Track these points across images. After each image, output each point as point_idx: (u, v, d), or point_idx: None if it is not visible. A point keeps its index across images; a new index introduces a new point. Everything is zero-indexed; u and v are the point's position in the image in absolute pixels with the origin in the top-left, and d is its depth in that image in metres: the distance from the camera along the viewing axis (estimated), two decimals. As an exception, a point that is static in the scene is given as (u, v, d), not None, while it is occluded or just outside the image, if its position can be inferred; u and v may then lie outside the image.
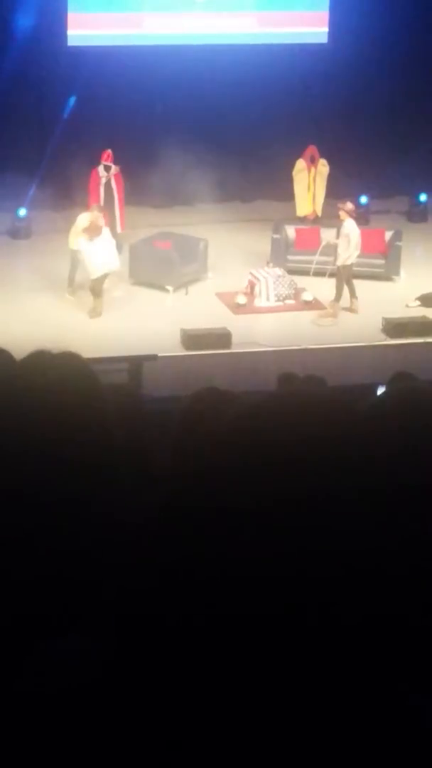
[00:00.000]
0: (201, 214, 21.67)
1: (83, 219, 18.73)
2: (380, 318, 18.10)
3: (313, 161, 21.72)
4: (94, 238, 18.26)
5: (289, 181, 21.75)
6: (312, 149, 21.65)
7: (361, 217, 20.54)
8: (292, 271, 19.60)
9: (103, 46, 21.33)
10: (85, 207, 19.31)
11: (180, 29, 21.63)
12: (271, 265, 19.64)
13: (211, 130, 21.40)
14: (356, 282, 18.87)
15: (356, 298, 18.81)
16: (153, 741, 1.76)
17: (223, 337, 17.31)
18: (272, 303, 19.01)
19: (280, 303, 19.04)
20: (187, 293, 19.23)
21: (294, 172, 21.72)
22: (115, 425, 2.29)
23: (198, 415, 3.62)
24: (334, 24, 22.04)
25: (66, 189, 20.89)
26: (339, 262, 18.76)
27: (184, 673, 1.76)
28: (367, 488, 1.78)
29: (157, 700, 1.77)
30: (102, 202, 19.87)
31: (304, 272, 19.59)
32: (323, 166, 21.69)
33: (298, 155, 21.66)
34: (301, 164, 21.70)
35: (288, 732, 1.72)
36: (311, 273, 19.54)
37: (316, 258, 19.51)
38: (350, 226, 18.85)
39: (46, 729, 1.83)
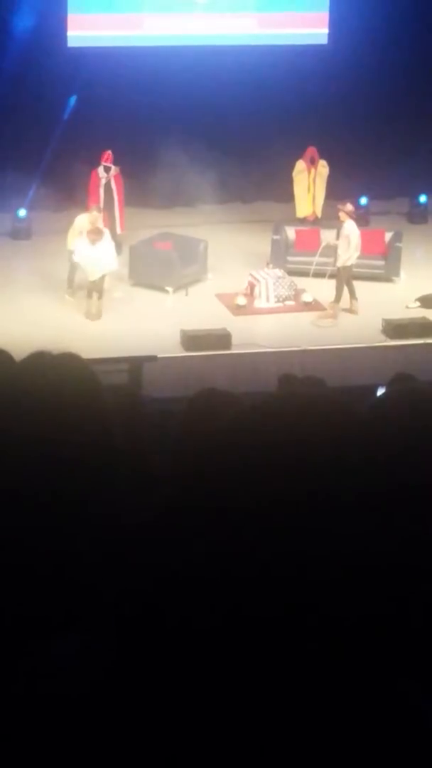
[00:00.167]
0: (201, 215, 21.67)
1: (81, 220, 18.73)
2: (380, 319, 18.10)
3: (313, 162, 21.72)
4: (97, 242, 18.24)
5: (289, 182, 21.75)
6: (312, 150, 21.65)
7: (361, 218, 20.54)
8: (291, 273, 19.60)
9: (103, 47, 21.33)
10: (85, 208, 19.31)
11: (180, 30, 21.63)
12: (271, 266, 19.63)
13: (211, 131, 21.39)
14: (356, 283, 18.87)
15: (356, 299, 18.80)
16: (153, 741, 1.76)
17: (222, 338, 17.31)
18: (272, 304, 19.01)
19: (280, 304, 19.04)
20: (187, 294, 19.23)
21: (294, 173, 21.72)
22: (114, 426, 2.29)
23: (198, 415, 3.62)
24: (334, 25, 22.05)
25: (66, 190, 20.89)
26: (339, 264, 18.76)
27: (184, 673, 1.76)
28: (367, 489, 1.78)
29: (157, 700, 1.77)
30: (102, 203, 19.87)
31: (303, 273, 19.59)
32: (323, 167, 21.69)
33: (298, 156, 21.67)
34: (301, 165, 21.70)
35: (289, 732, 1.72)
36: (311, 274, 19.53)
37: (316, 259, 19.51)
38: (350, 227, 18.85)
39: (46, 729, 1.83)
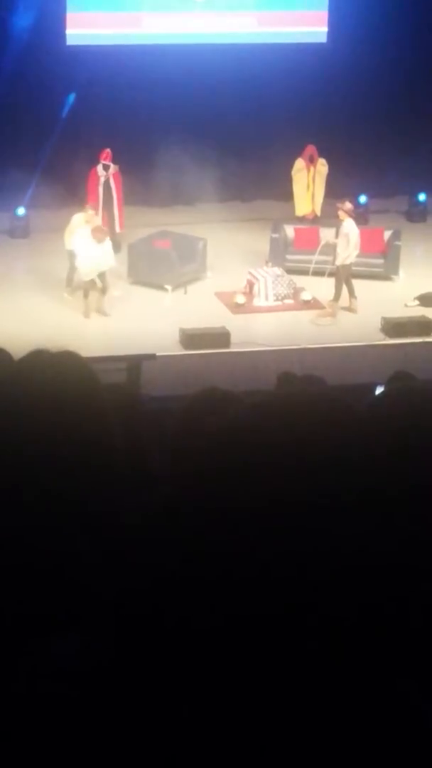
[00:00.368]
0: (200, 213, 21.69)
1: (78, 219, 18.73)
2: (379, 317, 18.11)
3: (312, 161, 21.72)
4: (102, 241, 18.22)
5: (288, 180, 21.76)
6: (311, 149, 21.66)
7: (360, 216, 20.56)
8: (290, 271, 19.61)
9: (102, 46, 21.34)
10: (83, 206, 19.31)
11: (179, 29, 21.64)
12: (270, 264, 19.64)
13: (210, 129, 21.40)
14: (355, 281, 18.88)
15: (355, 297, 18.81)
16: (153, 741, 1.76)
17: (221, 337, 17.32)
18: (271, 302, 19.02)
19: (279, 302, 19.05)
20: (185, 292, 19.23)
21: (293, 172, 21.73)
22: (113, 424, 2.28)
23: (197, 414, 3.62)
24: (333, 24, 22.06)
25: (65, 188, 20.90)
26: (338, 262, 18.77)
27: (184, 672, 1.75)
28: (366, 488, 1.77)
29: (157, 700, 1.76)
30: (101, 202, 19.88)
31: (302, 272, 19.60)
32: (322, 166, 21.69)
33: (297, 154, 21.67)
34: (300, 164, 21.71)
35: (288, 732, 1.72)
36: (310, 272, 19.55)
37: (315, 257, 19.52)
38: (349, 225, 18.85)
39: (46, 729, 1.83)
